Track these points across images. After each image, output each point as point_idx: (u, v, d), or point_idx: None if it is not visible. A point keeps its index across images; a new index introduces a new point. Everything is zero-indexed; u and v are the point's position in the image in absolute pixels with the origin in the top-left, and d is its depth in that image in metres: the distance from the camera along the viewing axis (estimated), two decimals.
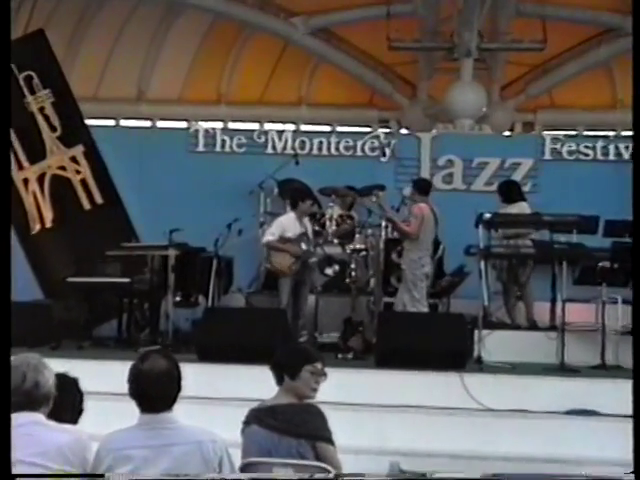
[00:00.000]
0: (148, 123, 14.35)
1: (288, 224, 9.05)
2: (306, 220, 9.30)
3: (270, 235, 9.09)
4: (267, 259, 9.18)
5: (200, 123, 13.39)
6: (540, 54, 13.41)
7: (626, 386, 7.23)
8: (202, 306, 9.44)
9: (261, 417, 4.01)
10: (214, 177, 11.63)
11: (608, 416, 6.85)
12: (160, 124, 14.34)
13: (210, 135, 12.04)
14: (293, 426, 3.94)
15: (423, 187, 9.19)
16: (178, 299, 9.26)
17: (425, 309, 8.84)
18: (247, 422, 4.06)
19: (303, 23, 13.83)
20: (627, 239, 8.81)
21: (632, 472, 3.32)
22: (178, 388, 3.45)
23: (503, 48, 13.36)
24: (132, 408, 3.45)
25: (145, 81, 14.44)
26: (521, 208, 9.38)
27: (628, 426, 6.67)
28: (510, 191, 9.61)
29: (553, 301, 8.89)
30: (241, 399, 6.26)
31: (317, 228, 9.89)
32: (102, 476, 3.23)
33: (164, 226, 9.11)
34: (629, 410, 6.81)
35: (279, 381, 4.13)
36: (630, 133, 12.64)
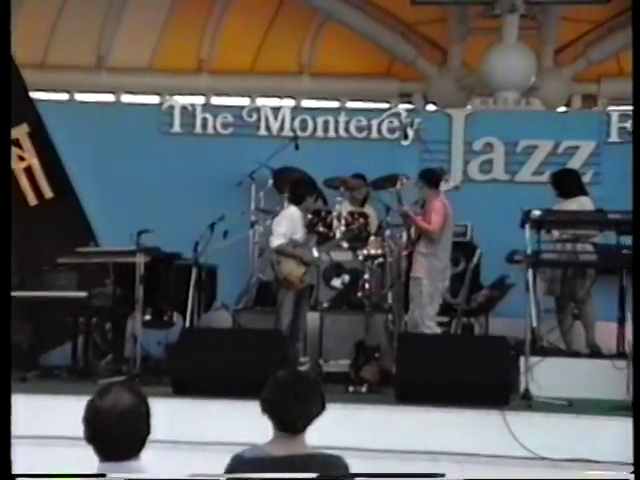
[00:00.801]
0: (110, 97, 14.34)
1: (297, 223, 9.10)
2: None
3: (282, 237, 9.10)
4: (273, 267, 9.15)
5: (176, 98, 13.39)
6: (604, 8, 13.40)
7: None
8: (178, 326, 9.44)
9: (265, 469, 3.93)
10: (193, 165, 11.65)
11: None
12: (125, 98, 14.33)
13: (188, 112, 12.05)
14: None
15: (433, 179, 9.22)
16: (148, 318, 9.28)
17: (437, 330, 8.86)
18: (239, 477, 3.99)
19: None
20: None
21: (632, 472, 3.53)
22: (147, 430, 3.44)
23: (557, 1, 13.36)
24: (89, 455, 3.43)
25: (106, 45, 14.42)
26: (581, 204, 9.37)
27: None
28: (568, 182, 9.60)
29: (621, 321, 8.87)
30: (227, 443, 6.23)
31: (322, 229, 9.87)
32: (103, 475, 3.30)
33: (130, 226, 9.11)
34: None
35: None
36: None
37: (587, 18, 14.09)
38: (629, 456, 6.96)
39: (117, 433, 3.37)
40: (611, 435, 7.24)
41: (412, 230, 9.34)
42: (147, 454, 3.46)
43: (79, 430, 3.44)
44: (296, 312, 8.99)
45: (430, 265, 8.89)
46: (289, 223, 9.11)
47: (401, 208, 9.22)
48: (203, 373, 7.90)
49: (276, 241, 9.16)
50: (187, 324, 9.39)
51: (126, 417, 3.38)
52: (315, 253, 9.03)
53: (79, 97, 14.16)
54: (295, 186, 9.55)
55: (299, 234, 9.07)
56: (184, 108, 12.12)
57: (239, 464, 3.95)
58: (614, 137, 11.69)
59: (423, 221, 8.99)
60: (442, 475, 3.53)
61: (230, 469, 4.03)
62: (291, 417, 3.92)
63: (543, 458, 7.02)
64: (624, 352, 8.54)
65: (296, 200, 9.29)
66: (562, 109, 13.72)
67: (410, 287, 8.95)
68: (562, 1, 13.33)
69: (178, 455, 6.35)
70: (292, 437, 3.96)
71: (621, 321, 8.85)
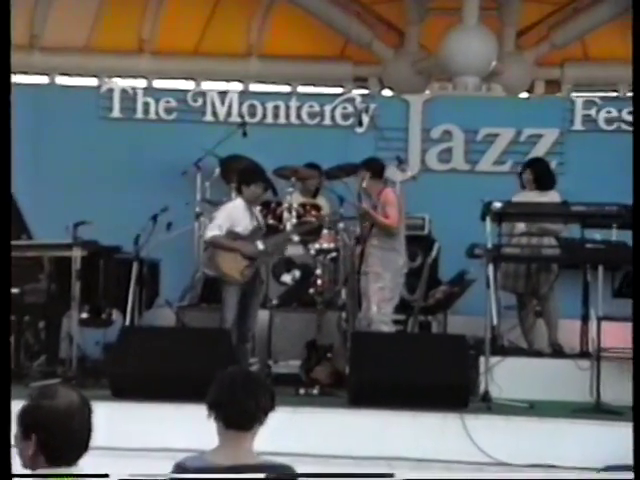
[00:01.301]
0: (44, 79, 14.23)
1: (238, 215, 9.04)
2: (257, 211, 9.30)
3: (216, 229, 9.07)
4: (210, 261, 9.15)
5: (115, 80, 13.32)
6: None
7: None
8: (117, 325, 9.41)
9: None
10: (134, 152, 11.60)
11: None
12: (60, 80, 14.23)
13: (129, 96, 11.98)
14: None
15: (378, 168, 9.24)
16: (85, 316, 9.22)
17: (393, 328, 8.90)
18: None
19: None
20: None
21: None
22: (88, 433, 3.43)
23: None
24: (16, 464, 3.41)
25: (39, 22, 14.30)
26: (552, 198, 9.43)
27: None
28: (549, 173, 9.65)
29: (585, 319, 8.96)
30: (169, 449, 6.23)
31: (272, 221, 9.87)
32: (105, 476, 3.34)
33: (66, 218, 9.05)
34: None
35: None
36: None
37: None
38: (593, 460, 7.07)
39: (73, 436, 3.36)
40: (574, 439, 7.33)
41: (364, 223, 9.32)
42: (84, 461, 3.45)
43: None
44: (244, 310, 8.96)
45: (390, 260, 8.89)
46: (227, 215, 9.07)
47: (359, 206, 9.18)
48: (144, 375, 7.88)
49: (209, 233, 9.18)
50: (127, 322, 9.35)
51: (82, 417, 3.38)
52: (260, 246, 8.99)
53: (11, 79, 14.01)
54: (238, 175, 9.52)
55: (242, 226, 9.01)
56: (124, 91, 12.04)
57: (181, 474, 3.93)
58: (578, 125, 11.79)
59: (378, 215, 8.98)
60: (391, 475, 3.55)
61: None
62: (239, 410, 3.88)
63: (503, 464, 7.06)
64: (587, 351, 8.64)
65: (239, 189, 9.26)
66: (524, 95, 13.81)
67: (367, 283, 8.93)
68: None
69: (116, 462, 6.31)
70: (239, 441, 3.92)
71: (585, 319, 8.94)
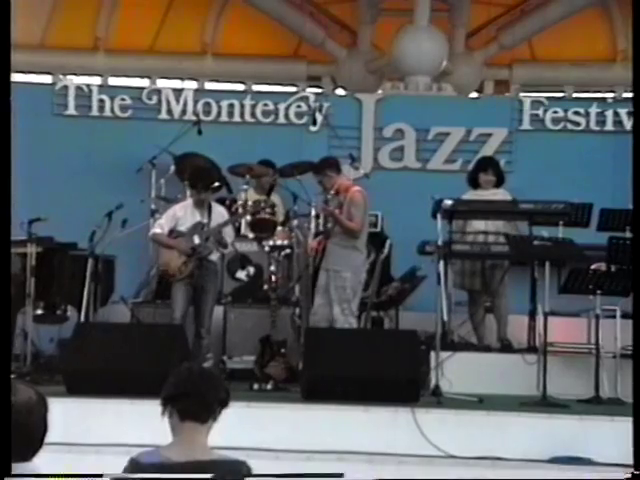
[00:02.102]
0: None
1: (183, 214, 9.03)
2: (220, 208, 9.25)
3: (157, 227, 9.15)
4: (156, 258, 9.16)
5: (70, 77, 13.22)
6: None
7: (626, 426, 7.42)
8: (72, 321, 9.34)
9: (166, 478, 3.90)
10: (89, 149, 11.54)
11: (604, 465, 6.98)
12: (16, 77, 14.10)
13: (84, 93, 11.91)
14: None
15: (336, 164, 9.19)
16: (40, 312, 9.16)
17: (354, 326, 8.90)
18: None
19: None
20: (628, 234, 9.00)
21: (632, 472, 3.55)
22: (44, 430, 3.42)
23: None
24: None
25: None
26: (505, 196, 9.49)
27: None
28: (500, 171, 9.67)
29: (532, 314, 9.01)
30: (124, 444, 6.21)
31: None
32: (100, 476, 3.33)
33: (21, 214, 8.95)
34: (630, 457, 6.99)
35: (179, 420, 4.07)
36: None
37: (499, 1, 14.27)
38: (540, 452, 7.13)
39: (29, 433, 3.34)
40: (522, 431, 7.38)
41: (322, 220, 9.27)
42: (39, 456, 3.44)
43: None
44: (198, 306, 8.94)
45: (350, 258, 8.85)
46: (172, 214, 9.09)
47: (325, 208, 9.07)
48: (99, 371, 7.82)
49: (152, 230, 9.30)
50: (82, 319, 9.27)
51: (39, 413, 3.36)
52: (196, 240, 8.95)
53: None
54: (189, 178, 9.48)
55: (185, 226, 8.98)
56: (79, 89, 11.98)
57: (135, 470, 3.89)
58: (526, 124, 11.89)
59: (341, 214, 8.88)
60: (340, 475, 3.55)
61: (122, 474, 4.00)
62: (198, 401, 3.88)
63: (453, 457, 7.10)
64: (535, 346, 8.69)
65: (192, 187, 9.23)
66: (474, 95, 13.88)
67: (327, 280, 8.89)
68: None
69: (71, 458, 6.29)
70: (194, 435, 3.90)
71: (532, 314, 8.99)
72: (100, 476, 3.31)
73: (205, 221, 9.00)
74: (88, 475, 3.31)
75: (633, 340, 7.45)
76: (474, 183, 9.57)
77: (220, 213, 9.16)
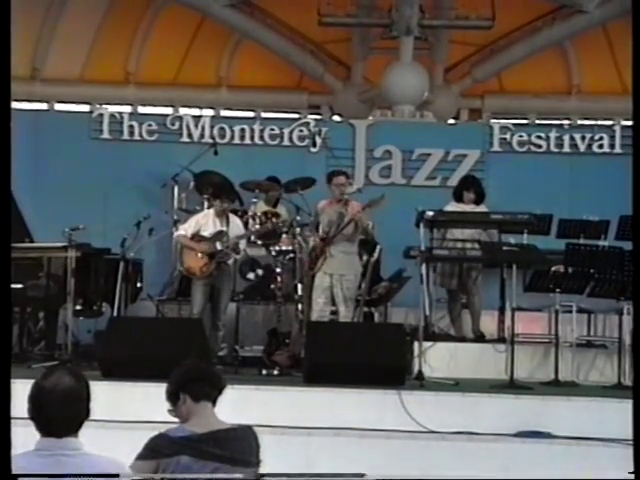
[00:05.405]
0: (44, 105, 14.10)
1: (205, 221, 9.02)
2: (236, 218, 9.25)
3: (182, 230, 9.12)
4: (179, 259, 9.15)
5: (105, 106, 13.23)
6: (488, 32, 13.55)
7: (582, 405, 7.43)
8: (106, 315, 9.34)
9: (195, 446, 3.97)
10: (121, 168, 11.54)
11: (562, 438, 6.98)
12: (58, 107, 14.11)
13: (116, 120, 11.94)
14: (240, 454, 3.99)
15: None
16: (79, 308, 9.15)
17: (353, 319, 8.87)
18: (169, 454, 3.98)
19: None
20: (582, 240, 9.03)
21: (632, 472, 3.49)
22: (86, 411, 3.41)
23: (447, 25, 13.46)
24: (32, 433, 3.39)
25: (40, 57, 14.17)
26: (483, 209, 9.51)
27: (584, 449, 6.87)
28: (483, 191, 9.64)
29: (502, 310, 9.02)
30: (150, 422, 6.20)
31: None
32: (117, 476, 3.27)
33: (63, 224, 8.98)
34: (584, 431, 7.01)
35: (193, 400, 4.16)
36: (588, 122, 12.97)
37: (473, 42, 14.27)
38: (507, 427, 7.13)
39: (57, 411, 3.32)
40: (492, 410, 7.38)
41: (327, 228, 8.86)
42: (82, 432, 3.44)
43: (14, 410, 3.40)
44: (214, 303, 8.93)
45: (354, 263, 8.80)
46: (195, 221, 9.09)
47: (355, 213, 8.66)
48: (129, 358, 7.81)
49: (176, 232, 9.28)
50: (115, 313, 9.28)
51: (66, 397, 3.34)
52: (218, 246, 8.93)
53: (15, 105, 13.86)
54: (213, 191, 9.52)
55: (208, 232, 8.98)
56: (112, 116, 12.00)
57: (167, 443, 4.02)
58: (496, 147, 11.92)
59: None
60: (362, 475, 3.56)
61: (153, 447, 4.04)
62: (212, 383, 4.15)
63: (433, 432, 7.09)
64: (504, 337, 8.70)
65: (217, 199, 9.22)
66: (451, 121, 13.87)
67: (329, 283, 8.64)
68: (451, 26, 13.44)
69: (105, 433, 6.27)
70: (207, 412, 4.10)
71: (501, 309, 9.01)
72: (116, 476, 3.22)
73: (225, 229, 9.01)
74: (89, 475, 3.21)
75: (633, 340, 7.48)
76: (458, 197, 9.57)
77: (236, 223, 9.17)
